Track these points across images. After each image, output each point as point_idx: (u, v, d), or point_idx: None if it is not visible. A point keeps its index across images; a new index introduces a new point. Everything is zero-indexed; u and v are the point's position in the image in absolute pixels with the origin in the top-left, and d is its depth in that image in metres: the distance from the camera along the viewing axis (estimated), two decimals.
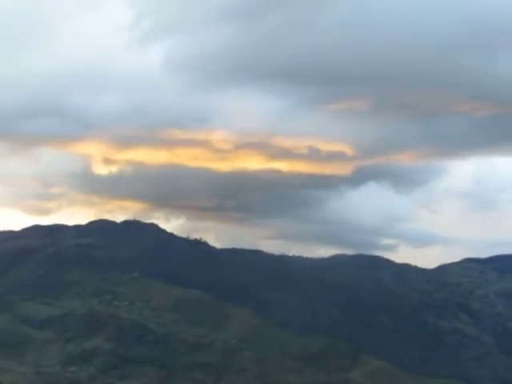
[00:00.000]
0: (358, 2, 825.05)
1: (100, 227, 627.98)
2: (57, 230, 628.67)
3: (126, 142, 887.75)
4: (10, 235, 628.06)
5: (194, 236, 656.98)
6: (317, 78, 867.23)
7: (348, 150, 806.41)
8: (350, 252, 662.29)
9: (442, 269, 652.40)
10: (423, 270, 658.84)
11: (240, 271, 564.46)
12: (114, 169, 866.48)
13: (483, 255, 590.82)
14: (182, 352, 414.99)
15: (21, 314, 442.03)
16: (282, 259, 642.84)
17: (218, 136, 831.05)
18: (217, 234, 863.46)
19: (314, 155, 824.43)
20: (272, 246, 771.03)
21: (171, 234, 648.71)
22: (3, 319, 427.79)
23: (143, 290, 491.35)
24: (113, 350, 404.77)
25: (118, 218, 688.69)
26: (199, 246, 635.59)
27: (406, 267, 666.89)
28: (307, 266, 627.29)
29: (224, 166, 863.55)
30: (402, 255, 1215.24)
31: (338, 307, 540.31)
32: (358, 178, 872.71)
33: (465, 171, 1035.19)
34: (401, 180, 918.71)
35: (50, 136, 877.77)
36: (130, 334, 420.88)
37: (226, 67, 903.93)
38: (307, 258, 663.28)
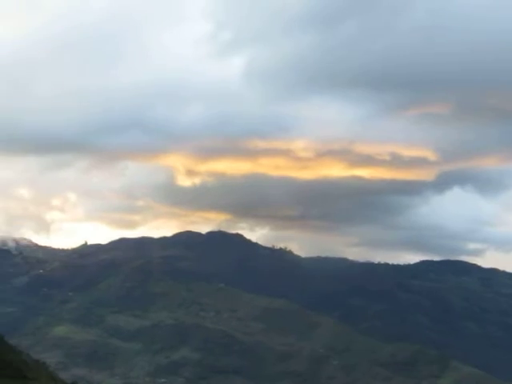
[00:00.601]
0: (436, 7, 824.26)
1: (185, 239, 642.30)
2: (143, 242, 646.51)
3: (208, 154, 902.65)
4: (97, 249, 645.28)
5: (279, 245, 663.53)
6: (396, 83, 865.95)
7: (430, 155, 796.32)
8: (436, 258, 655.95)
9: None
10: (511, 275, 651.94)
11: (325, 279, 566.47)
12: (197, 180, 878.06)
13: None
14: (269, 361, 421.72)
15: (110, 327, 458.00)
16: (367, 266, 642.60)
17: (299, 145, 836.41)
18: (301, 243, 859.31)
19: (396, 161, 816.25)
20: (357, 253, 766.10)
21: (256, 244, 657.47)
22: (93, 332, 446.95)
23: (229, 300, 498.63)
24: (200, 360, 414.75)
25: (203, 229, 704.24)
26: (284, 255, 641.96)
27: (493, 272, 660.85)
28: (393, 273, 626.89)
29: (306, 174, 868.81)
30: (489, 260, 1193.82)
31: (425, 313, 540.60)
32: (442, 183, 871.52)
33: None
34: (486, 184, 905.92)
35: (134, 149, 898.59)
36: (217, 344, 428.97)
37: (305, 76, 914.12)
38: (393, 265, 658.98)
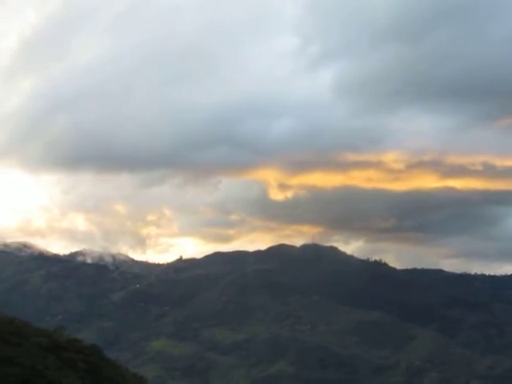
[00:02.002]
0: None
1: (280, 252, 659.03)
2: (237, 256, 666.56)
3: (299, 167, 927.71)
4: (192, 263, 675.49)
5: (374, 258, 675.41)
6: (487, 93, 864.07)
7: None
8: None
9: None
10: None
11: (421, 291, 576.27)
12: (289, 194, 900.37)
13: None
14: (365, 374, 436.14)
15: (206, 341, 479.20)
16: (464, 278, 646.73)
17: (390, 156, 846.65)
18: (396, 255, 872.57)
19: (489, 171, 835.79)
20: (453, 264, 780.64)
21: (351, 257, 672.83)
22: (190, 346, 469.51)
23: (324, 313, 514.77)
24: (296, 374, 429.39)
25: (297, 242, 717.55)
26: (379, 267, 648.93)
27: None
28: (491, 284, 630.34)
29: (398, 185, 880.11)
30: None
31: None
32: None
33: None
34: None
35: (226, 164, 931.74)
36: (312, 357, 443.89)
37: (393, 88, 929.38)
38: (490, 276, 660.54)
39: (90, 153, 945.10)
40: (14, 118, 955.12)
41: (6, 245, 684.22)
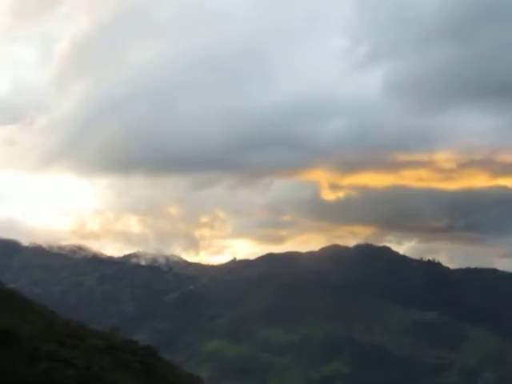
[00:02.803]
0: None
1: (333, 253, 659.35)
2: (291, 257, 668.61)
3: (350, 167, 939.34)
4: (245, 264, 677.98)
5: (427, 257, 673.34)
6: None
7: None
8: None
9: None
10: None
11: (476, 291, 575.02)
12: (340, 194, 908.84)
13: None
14: (420, 374, 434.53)
15: (260, 341, 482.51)
16: None
17: (441, 156, 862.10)
18: (449, 254, 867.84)
19: None
20: (508, 263, 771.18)
21: (404, 257, 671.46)
22: (244, 346, 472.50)
23: (379, 313, 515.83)
24: (351, 374, 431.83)
25: (350, 242, 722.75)
26: (433, 266, 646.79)
27: None
28: None
29: (450, 185, 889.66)
30: None
31: None
32: None
33: None
34: None
35: (278, 165, 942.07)
36: (367, 357, 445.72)
37: (442, 88, 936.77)
38: None
39: (142, 156, 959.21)
40: (66, 122, 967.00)
41: (60, 247, 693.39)
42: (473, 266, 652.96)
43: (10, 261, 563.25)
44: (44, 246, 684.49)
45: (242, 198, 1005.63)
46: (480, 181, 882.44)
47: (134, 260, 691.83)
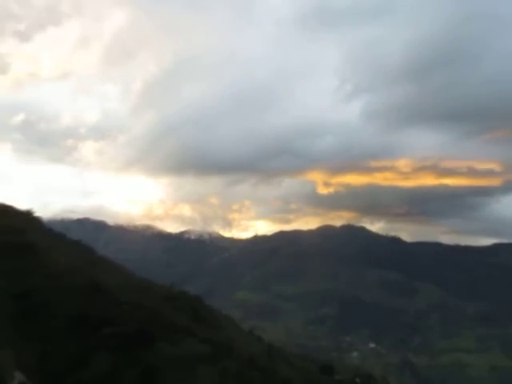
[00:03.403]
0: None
1: (326, 230, 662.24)
2: (296, 233, 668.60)
3: (337, 170, 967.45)
4: (264, 239, 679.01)
5: (391, 234, 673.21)
6: (471, 116, 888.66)
7: (497, 168, 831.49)
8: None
9: None
10: None
11: (426, 258, 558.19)
12: (331, 189, 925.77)
13: None
14: (387, 316, 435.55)
15: (274, 292, 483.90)
16: (455, 248, 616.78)
17: (401, 162, 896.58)
18: (407, 232, 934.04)
19: (472, 172, 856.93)
20: (448, 239, 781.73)
21: (376, 233, 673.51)
22: (263, 296, 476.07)
23: (358, 273, 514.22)
24: (337, 315, 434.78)
25: (338, 223, 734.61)
26: (396, 240, 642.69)
27: None
28: (474, 252, 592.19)
29: (407, 183, 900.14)
30: None
31: None
32: (507, 188, 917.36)
33: None
34: None
35: (287, 169, 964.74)
36: (349, 304, 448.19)
37: (403, 114, 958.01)
38: (475, 247, 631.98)
39: (192, 162, 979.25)
40: (139, 139, 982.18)
41: (135, 226, 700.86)
42: (423, 240, 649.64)
43: (100, 235, 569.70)
44: (124, 225, 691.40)
45: (262, 192, 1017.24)
46: (429, 180, 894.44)
47: (186, 235, 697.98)
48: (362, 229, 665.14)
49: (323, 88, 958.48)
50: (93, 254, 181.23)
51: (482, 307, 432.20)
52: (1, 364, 63.96)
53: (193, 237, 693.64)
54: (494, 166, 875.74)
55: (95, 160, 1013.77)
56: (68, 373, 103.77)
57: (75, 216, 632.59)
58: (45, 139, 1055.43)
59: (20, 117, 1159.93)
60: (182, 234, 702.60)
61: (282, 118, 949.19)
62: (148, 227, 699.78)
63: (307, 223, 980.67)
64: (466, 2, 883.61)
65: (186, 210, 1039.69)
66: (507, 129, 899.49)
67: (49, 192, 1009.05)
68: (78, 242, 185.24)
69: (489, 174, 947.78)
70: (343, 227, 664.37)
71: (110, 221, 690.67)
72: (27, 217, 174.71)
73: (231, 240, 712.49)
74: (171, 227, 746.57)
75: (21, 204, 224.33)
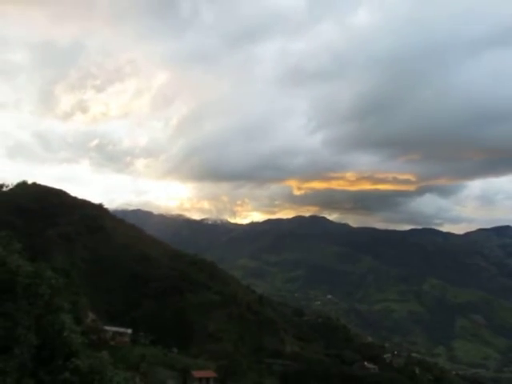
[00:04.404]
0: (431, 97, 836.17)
1: (298, 219, 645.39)
2: (278, 221, 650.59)
3: (307, 179, 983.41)
4: (257, 224, 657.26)
5: (343, 221, 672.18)
6: (396, 144, 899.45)
7: (412, 178, 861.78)
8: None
9: None
10: None
11: (366, 237, 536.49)
12: (303, 192, 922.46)
13: None
14: (348, 281, 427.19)
15: (266, 261, 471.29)
16: (391, 233, 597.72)
17: (349, 174, 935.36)
18: (353, 220, 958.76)
19: (395, 181, 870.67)
20: (382, 225, 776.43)
21: (332, 221, 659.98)
22: (257, 263, 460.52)
23: (322, 248, 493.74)
24: (306, 277, 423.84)
25: (307, 214, 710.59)
26: (346, 226, 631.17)
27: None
28: (396, 235, 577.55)
29: (353, 188, 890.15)
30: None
31: None
32: (419, 192, 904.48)
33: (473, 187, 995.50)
34: (442, 191, 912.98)
35: (273, 178, 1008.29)
36: (318, 271, 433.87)
37: (351, 142, 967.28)
38: (397, 231, 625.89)
39: (210, 173, 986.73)
40: (174, 157, 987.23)
41: (171, 215, 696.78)
42: (364, 226, 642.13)
43: (148, 221, 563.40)
44: (163, 214, 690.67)
45: (256, 194, 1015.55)
46: (367, 186, 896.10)
47: (205, 221, 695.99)
48: (324, 218, 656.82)
49: (296, 125, 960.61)
50: (142, 233, 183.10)
51: (403, 271, 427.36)
52: (79, 307, 65.17)
53: (210, 222, 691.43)
54: (409, 176, 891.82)
55: (145, 171, 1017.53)
56: (125, 313, 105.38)
57: (131, 208, 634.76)
58: (111, 157, 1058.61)
59: (95, 142, 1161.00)
60: (202, 220, 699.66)
61: (270, 144, 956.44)
62: (180, 215, 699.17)
63: (286, 214, 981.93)
64: (392, 64, 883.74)
65: (206, 205, 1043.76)
66: (418, 153, 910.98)
67: (114, 192, 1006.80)
68: (133, 225, 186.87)
69: (406, 182, 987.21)
70: (311, 217, 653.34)
71: (155, 211, 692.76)
72: (99, 208, 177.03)
73: (235, 225, 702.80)
74: (195, 216, 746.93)
75: (95, 200, 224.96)
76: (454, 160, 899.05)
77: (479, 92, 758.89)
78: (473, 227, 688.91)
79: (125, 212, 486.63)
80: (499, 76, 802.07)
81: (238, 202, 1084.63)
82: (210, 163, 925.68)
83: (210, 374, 78.72)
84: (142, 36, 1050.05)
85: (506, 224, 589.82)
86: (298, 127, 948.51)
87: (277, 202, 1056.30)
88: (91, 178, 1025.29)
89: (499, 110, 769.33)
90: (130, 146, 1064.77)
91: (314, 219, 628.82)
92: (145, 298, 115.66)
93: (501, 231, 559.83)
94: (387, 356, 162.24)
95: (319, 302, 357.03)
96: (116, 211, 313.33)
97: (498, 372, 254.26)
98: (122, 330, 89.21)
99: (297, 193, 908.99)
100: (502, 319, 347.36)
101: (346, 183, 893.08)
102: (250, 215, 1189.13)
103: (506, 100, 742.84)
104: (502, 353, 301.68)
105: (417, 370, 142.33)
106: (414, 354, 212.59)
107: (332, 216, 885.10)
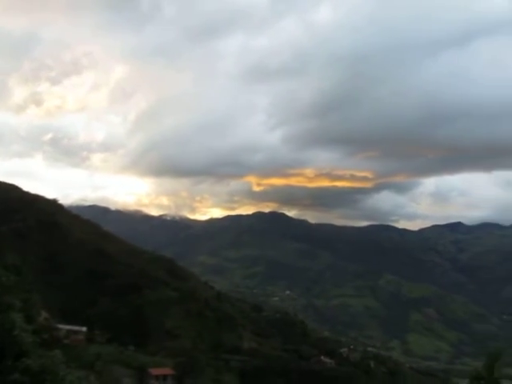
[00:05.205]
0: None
1: (257, 214, 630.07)
2: (237, 217, 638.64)
3: (266, 176, 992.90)
4: (217, 220, 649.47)
5: (300, 217, 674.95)
6: (354, 141, 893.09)
7: (369, 175, 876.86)
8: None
9: None
10: None
11: (324, 233, 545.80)
12: (262, 188, 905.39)
13: None
14: (304, 275, 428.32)
15: (223, 256, 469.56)
16: (347, 228, 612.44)
17: (307, 171, 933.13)
18: (312, 216, 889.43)
19: (352, 178, 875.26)
20: (340, 221, 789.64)
21: (291, 217, 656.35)
22: (216, 259, 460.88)
23: (276, 241, 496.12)
24: (265, 272, 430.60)
25: (266, 209, 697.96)
26: (304, 222, 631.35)
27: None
28: (356, 231, 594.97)
29: (312, 184, 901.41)
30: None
31: None
32: (377, 189, 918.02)
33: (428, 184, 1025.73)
34: (398, 188, 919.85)
35: (232, 174, 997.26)
36: (275, 266, 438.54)
37: (310, 139, 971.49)
38: (355, 227, 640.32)
39: (169, 168, 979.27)
40: (133, 152, 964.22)
41: (129, 211, 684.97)
42: (322, 222, 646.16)
43: (104, 217, 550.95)
44: (121, 209, 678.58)
45: (216, 189, 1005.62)
46: (325, 183, 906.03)
47: (164, 217, 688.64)
48: (283, 214, 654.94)
49: (257, 121, 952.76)
50: (99, 229, 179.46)
51: (360, 267, 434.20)
52: (31, 305, 63.20)
53: (169, 218, 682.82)
54: (367, 174, 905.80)
55: (102, 166, 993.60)
56: (81, 311, 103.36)
57: (87, 203, 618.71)
58: (67, 151, 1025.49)
59: (49, 135, 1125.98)
60: (161, 216, 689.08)
61: (230, 140, 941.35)
62: (138, 211, 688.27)
63: (246, 210, 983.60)
64: (353, 63, 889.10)
65: (164, 201, 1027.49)
66: (375, 150, 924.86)
67: (69, 187, 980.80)
68: (88, 221, 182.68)
69: (364, 179, 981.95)
70: (270, 213, 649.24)
71: (112, 206, 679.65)
72: (53, 203, 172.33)
73: (195, 221, 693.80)
74: (154, 211, 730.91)
75: (49, 195, 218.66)
76: (411, 158, 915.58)
77: (436, 92, 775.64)
78: (427, 223, 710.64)
79: (80, 208, 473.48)
80: (455, 76, 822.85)
81: (198, 198, 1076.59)
82: (169, 159, 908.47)
83: (167, 371, 78.54)
84: (100, 28, 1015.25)
85: (458, 221, 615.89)
86: (259, 124, 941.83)
87: (236, 198, 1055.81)
88: (45, 173, 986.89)
89: (454, 109, 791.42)
90: (86, 141, 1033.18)
91: (274, 215, 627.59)
92: (101, 295, 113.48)
93: (453, 227, 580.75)
94: (344, 350, 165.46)
95: (278, 298, 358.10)
96: (71, 207, 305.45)
97: (449, 364, 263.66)
98: (76, 328, 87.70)
99: (256, 189, 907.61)
100: (454, 313, 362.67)
101: (304, 180, 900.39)
102: (209, 211, 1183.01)
103: (461, 100, 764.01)
104: (453, 346, 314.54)
105: (372, 364, 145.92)
106: (369, 348, 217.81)
107: (291, 212, 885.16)
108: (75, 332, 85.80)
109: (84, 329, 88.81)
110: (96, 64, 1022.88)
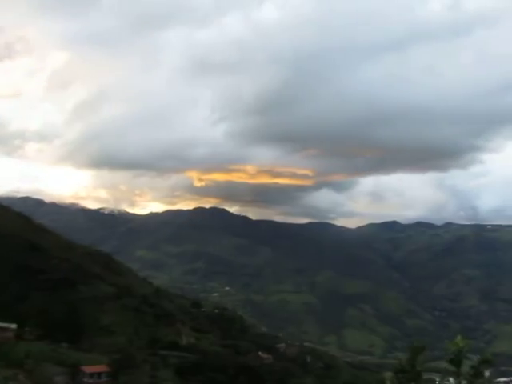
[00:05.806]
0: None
1: (197, 210, 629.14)
2: (178, 212, 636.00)
3: (208, 171, 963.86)
4: (157, 215, 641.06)
5: (243, 214, 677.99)
6: (295, 139, 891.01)
7: (310, 173, 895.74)
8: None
9: None
10: None
11: (268, 228, 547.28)
12: (203, 183, 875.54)
13: None
14: (251, 273, 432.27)
15: (162, 251, 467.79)
16: (290, 226, 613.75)
17: (249, 167, 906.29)
18: (253, 212, 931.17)
19: (293, 175, 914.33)
20: (281, 218, 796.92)
21: (232, 213, 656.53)
22: (154, 254, 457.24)
23: (223, 238, 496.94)
24: (206, 268, 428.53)
25: (208, 205, 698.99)
26: (246, 218, 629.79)
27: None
28: (295, 228, 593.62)
29: (253, 181, 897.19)
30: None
31: None
32: (316, 186, 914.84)
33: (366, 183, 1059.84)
34: (337, 187, 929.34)
35: (173, 168, 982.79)
36: (217, 262, 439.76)
37: (252, 135, 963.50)
38: (295, 224, 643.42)
39: (108, 160, 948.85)
40: (70, 142, 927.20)
41: (64, 203, 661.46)
42: (263, 218, 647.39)
43: (38, 209, 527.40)
44: (56, 202, 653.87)
45: (156, 183, 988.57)
46: (266, 179, 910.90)
47: (101, 211, 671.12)
48: (224, 210, 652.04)
49: (199, 115, 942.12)
50: (31, 222, 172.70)
51: (299, 264, 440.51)
52: None
53: (107, 212, 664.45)
54: (307, 172, 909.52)
55: (36, 156, 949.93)
56: (11, 307, 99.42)
57: (19, 195, 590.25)
58: None
59: None
60: (98, 209, 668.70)
61: (172, 134, 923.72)
62: (74, 204, 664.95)
63: (187, 205, 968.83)
64: (294, 62, 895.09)
65: (102, 193, 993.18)
66: (316, 149, 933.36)
67: None
68: (20, 214, 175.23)
69: (304, 177, 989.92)
70: (211, 208, 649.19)
71: (46, 199, 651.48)
72: None
73: (134, 215, 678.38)
74: (91, 205, 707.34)
75: None
76: (350, 157, 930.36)
77: (375, 94, 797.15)
78: (364, 222, 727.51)
79: (12, 199, 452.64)
80: (393, 80, 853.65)
81: (137, 192, 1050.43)
82: (108, 150, 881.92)
83: (101, 368, 77.39)
84: (36, 12, 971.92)
85: (394, 219, 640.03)
86: (201, 118, 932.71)
87: (177, 193, 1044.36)
88: None
89: (391, 111, 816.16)
90: (19, 129, 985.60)
91: (215, 211, 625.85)
92: (33, 290, 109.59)
93: (389, 226, 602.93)
94: (281, 346, 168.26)
95: (217, 294, 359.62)
96: (1, 198, 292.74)
97: (382, 358, 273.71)
98: (4, 325, 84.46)
99: (197, 184, 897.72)
100: (388, 309, 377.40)
101: (246, 176, 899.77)
102: (149, 205, 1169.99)
103: (398, 102, 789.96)
104: (386, 340, 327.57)
105: (308, 359, 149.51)
106: (306, 343, 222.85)
107: (232, 208, 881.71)
108: (3, 329, 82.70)
109: (13, 326, 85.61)
110: (31, 49, 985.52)
